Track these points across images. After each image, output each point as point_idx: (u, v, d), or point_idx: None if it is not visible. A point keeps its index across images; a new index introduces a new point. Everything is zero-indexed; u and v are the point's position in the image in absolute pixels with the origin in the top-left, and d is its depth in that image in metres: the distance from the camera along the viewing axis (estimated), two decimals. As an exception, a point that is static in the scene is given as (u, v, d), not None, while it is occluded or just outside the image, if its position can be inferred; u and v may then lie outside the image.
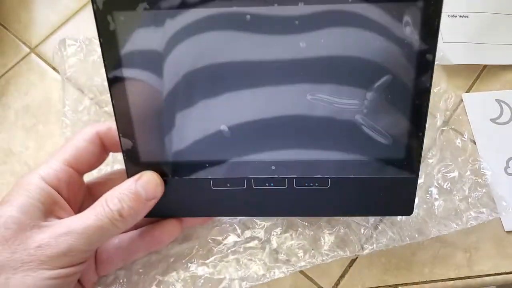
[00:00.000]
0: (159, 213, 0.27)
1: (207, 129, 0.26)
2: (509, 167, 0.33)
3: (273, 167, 0.27)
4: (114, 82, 0.24)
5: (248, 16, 0.23)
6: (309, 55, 0.24)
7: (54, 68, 0.38)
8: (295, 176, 0.27)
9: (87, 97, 0.35)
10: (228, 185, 0.27)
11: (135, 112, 0.25)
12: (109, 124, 0.27)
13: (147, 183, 0.25)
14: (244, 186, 0.27)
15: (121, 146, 0.26)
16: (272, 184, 0.27)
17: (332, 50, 0.24)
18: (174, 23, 0.24)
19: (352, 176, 0.26)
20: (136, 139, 0.26)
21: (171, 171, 0.27)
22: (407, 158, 0.26)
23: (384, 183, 0.27)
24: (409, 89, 0.24)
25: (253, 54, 0.24)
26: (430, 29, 0.22)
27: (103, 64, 0.24)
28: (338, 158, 0.26)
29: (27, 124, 0.36)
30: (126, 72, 0.24)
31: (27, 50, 0.38)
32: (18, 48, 0.38)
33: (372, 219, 0.31)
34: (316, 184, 0.27)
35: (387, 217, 0.30)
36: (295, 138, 0.26)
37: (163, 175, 0.27)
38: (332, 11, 0.23)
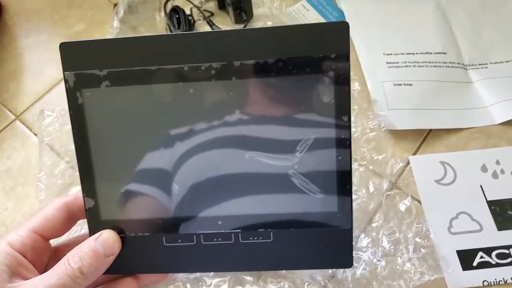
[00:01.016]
0: (118, 269, 0.29)
1: (160, 188, 0.29)
2: (452, 227, 0.35)
3: (219, 222, 0.29)
4: (80, 146, 0.28)
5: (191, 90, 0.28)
6: (246, 124, 0.28)
7: (35, 134, 0.41)
8: (240, 230, 0.29)
9: (63, 161, 0.39)
10: (179, 241, 0.29)
11: (98, 173, 0.28)
12: (76, 193, 0.30)
13: (106, 241, 0.28)
14: (194, 241, 0.29)
15: (85, 205, 0.29)
16: (220, 239, 0.29)
17: (264, 122, 0.28)
18: (130, 97, 0.28)
19: (292, 229, 0.29)
20: (97, 198, 0.29)
21: (128, 228, 0.29)
22: (340, 210, 0.28)
23: (321, 235, 0.29)
24: (332, 147, 0.27)
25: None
26: (342, 95, 0.26)
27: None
28: (278, 212, 0.29)
29: (7, 186, 0.39)
30: (91, 138, 0.28)
31: (13, 117, 0.42)
32: (4, 115, 0.43)
33: (319, 277, 0.32)
34: (260, 238, 0.29)
35: (334, 278, 0.32)
36: (238, 194, 0.29)
37: (120, 232, 0.29)
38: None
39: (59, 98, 0.44)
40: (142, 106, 0.28)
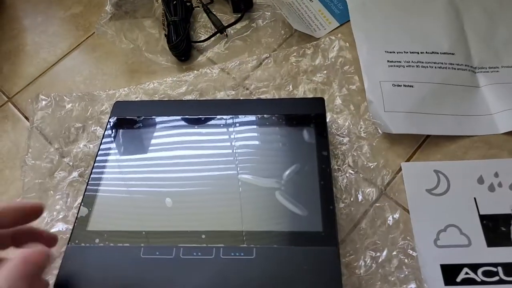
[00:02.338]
0: (90, 285, 0.28)
1: (153, 202, 0.31)
2: (439, 239, 0.33)
3: (203, 236, 0.29)
4: (98, 167, 0.34)
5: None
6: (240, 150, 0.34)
7: (27, 119, 0.41)
8: (222, 245, 0.29)
9: (52, 146, 0.39)
10: (157, 253, 0.29)
11: (103, 187, 0.33)
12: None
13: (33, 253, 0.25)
14: (172, 255, 0.28)
15: (78, 213, 0.31)
16: (199, 254, 0.28)
17: (257, 148, 0.35)
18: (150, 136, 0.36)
19: (276, 246, 0.28)
20: (93, 208, 0.31)
21: (109, 239, 0.29)
22: (325, 230, 0.29)
23: (306, 254, 0.28)
24: (315, 174, 0.32)
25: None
26: (321, 136, 0.34)
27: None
28: (263, 229, 0.29)
29: (-5, 169, 0.39)
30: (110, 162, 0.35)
31: (5, 99, 0.42)
32: (-3, 97, 0.43)
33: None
34: (242, 254, 0.28)
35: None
36: (226, 210, 0.31)
37: (100, 242, 0.29)
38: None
39: (52, 82, 0.44)
40: (155, 142, 0.36)
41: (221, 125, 0.36)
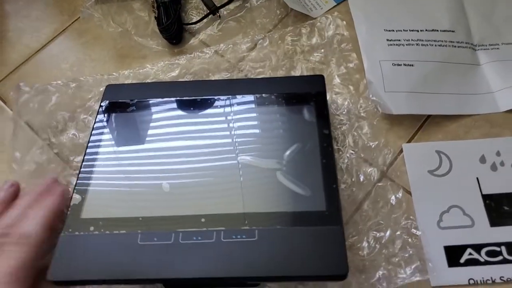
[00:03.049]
0: (84, 275, 0.27)
1: (149, 186, 0.30)
2: (442, 221, 0.33)
3: (203, 220, 0.28)
4: (90, 154, 0.33)
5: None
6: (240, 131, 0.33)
7: (11, 110, 0.40)
8: (223, 228, 0.27)
9: (40, 139, 0.37)
10: (155, 239, 0.27)
11: (96, 174, 0.32)
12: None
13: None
14: (171, 240, 0.27)
15: (70, 201, 0.30)
16: (199, 238, 0.27)
17: (256, 128, 0.34)
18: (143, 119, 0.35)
19: (279, 227, 0.27)
20: (86, 195, 0.30)
21: (104, 226, 0.28)
22: (328, 209, 0.28)
23: (310, 234, 0.27)
24: (317, 153, 0.31)
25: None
26: (322, 112, 0.33)
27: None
28: (265, 211, 0.28)
29: (-21, 160, 0.38)
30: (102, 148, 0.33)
31: (-12, 87, 0.40)
32: (-21, 85, 0.41)
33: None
34: (244, 236, 0.27)
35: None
36: (226, 192, 0.30)
37: (96, 230, 0.28)
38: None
39: (37, 70, 0.42)
40: (151, 129, 0.34)
41: (218, 106, 0.34)
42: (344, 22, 0.41)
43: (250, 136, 0.33)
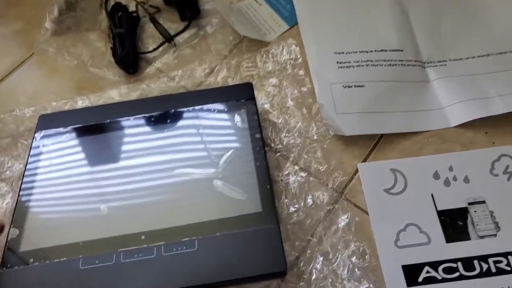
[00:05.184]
0: None
1: (87, 211, 0.30)
2: (399, 240, 0.33)
3: (143, 237, 0.29)
4: (27, 182, 0.33)
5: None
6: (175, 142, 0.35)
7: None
8: (163, 243, 0.28)
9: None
10: (97, 262, 0.28)
11: (33, 205, 0.31)
12: None
13: None
14: (112, 261, 0.28)
15: (7, 237, 0.29)
16: (140, 255, 0.28)
17: (191, 140, 0.35)
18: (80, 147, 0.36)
19: (218, 234, 0.28)
20: (24, 227, 0.30)
21: (45, 256, 0.28)
22: (264, 210, 0.30)
23: (248, 236, 0.28)
24: (250, 156, 0.33)
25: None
26: (253, 118, 0.35)
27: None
28: (204, 220, 0.29)
29: None
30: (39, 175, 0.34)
31: None
32: None
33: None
34: (184, 248, 0.28)
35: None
36: (164, 207, 0.30)
37: (35, 261, 0.28)
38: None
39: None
40: (87, 154, 0.35)
41: (151, 123, 0.35)
42: (297, 48, 0.42)
43: (185, 148, 0.34)
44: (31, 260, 0.28)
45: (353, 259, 0.31)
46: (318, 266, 0.31)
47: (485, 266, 0.31)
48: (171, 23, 0.45)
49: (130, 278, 0.27)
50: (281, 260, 0.27)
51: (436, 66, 0.40)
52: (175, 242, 0.28)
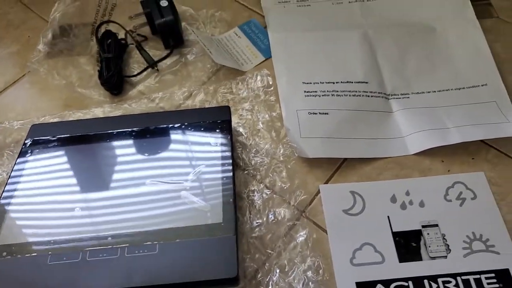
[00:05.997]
0: None
1: (61, 211, 0.33)
2: (354, 258, 0.34)
3: (109, 238, 0.31)
4: (12, 184, 0.35)
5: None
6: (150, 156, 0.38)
7: None
8: (127, 245, 0.30)
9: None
10: (64, 258, 0.30)
11: (14, 203, 0.34)
12: None
13: None
14: (78, 258, 0.30)
15: None
16: (105, 255, 0.30)
17: (167, 155, 0.38)
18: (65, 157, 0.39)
19: (178, 240, 0.31)
20: (2, 224, 0.32)
21: (17, 251, 0.30)
22: (224, 220, 0.32)
23: (206, 244, 0.30)
24: (218, 172, 0.36)
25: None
26: (226, 138, 0.38)
27: None
28: (167, 227, 0.32)
29: None
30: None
31: None
32: None
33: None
34: (145, 251, 0.30)
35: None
36: (132, 213, 0.33)
37: (8, 255, 0.30)
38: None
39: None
40: (70, 161, 0.37)
41: (132, 137, 0.38)
42: (270, 78, 0.46)
43: (160, 161, 0.37)
44: (4, 253, 0.30)
45: (308, 273, 0.32)
46: (275, 279, 0.32)
47: (434, 286, 0.32)
48: (156, 51, 0.48)
49: (93, 275, 0.29)
50: (233, 267, 0.29)
51: (399, 98, 0.44)
52: (138, 245, 0.30)
